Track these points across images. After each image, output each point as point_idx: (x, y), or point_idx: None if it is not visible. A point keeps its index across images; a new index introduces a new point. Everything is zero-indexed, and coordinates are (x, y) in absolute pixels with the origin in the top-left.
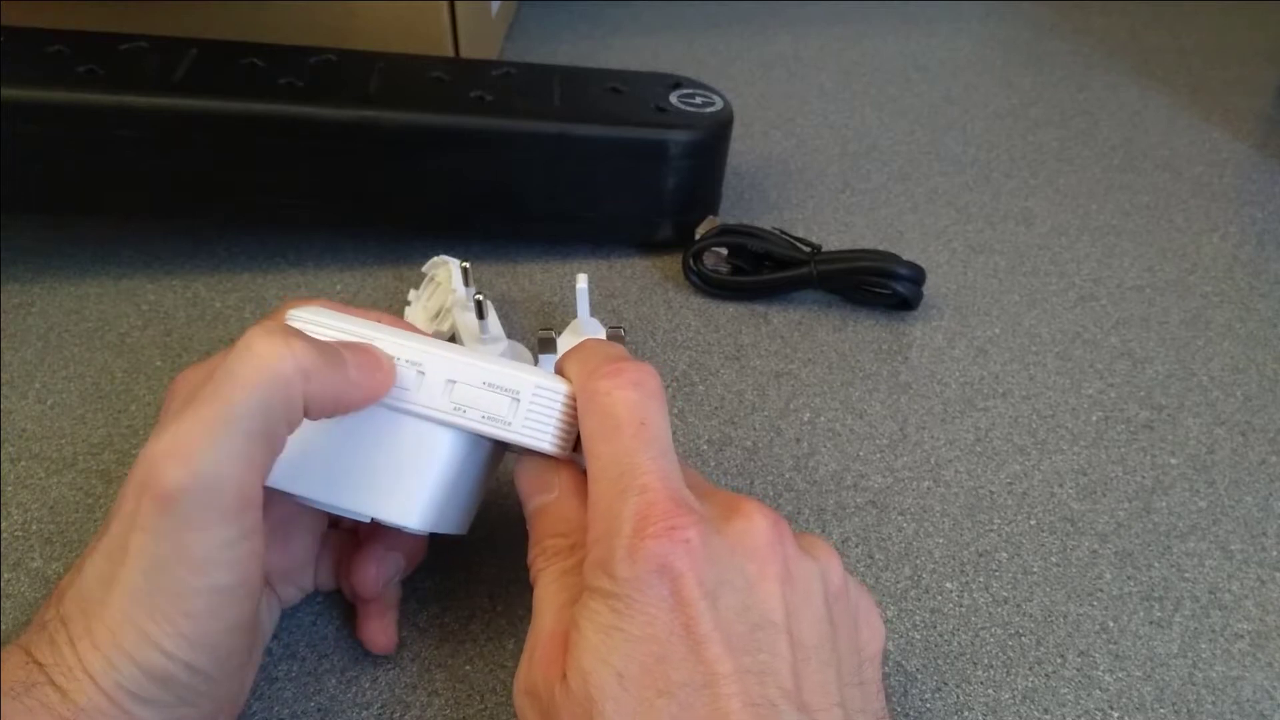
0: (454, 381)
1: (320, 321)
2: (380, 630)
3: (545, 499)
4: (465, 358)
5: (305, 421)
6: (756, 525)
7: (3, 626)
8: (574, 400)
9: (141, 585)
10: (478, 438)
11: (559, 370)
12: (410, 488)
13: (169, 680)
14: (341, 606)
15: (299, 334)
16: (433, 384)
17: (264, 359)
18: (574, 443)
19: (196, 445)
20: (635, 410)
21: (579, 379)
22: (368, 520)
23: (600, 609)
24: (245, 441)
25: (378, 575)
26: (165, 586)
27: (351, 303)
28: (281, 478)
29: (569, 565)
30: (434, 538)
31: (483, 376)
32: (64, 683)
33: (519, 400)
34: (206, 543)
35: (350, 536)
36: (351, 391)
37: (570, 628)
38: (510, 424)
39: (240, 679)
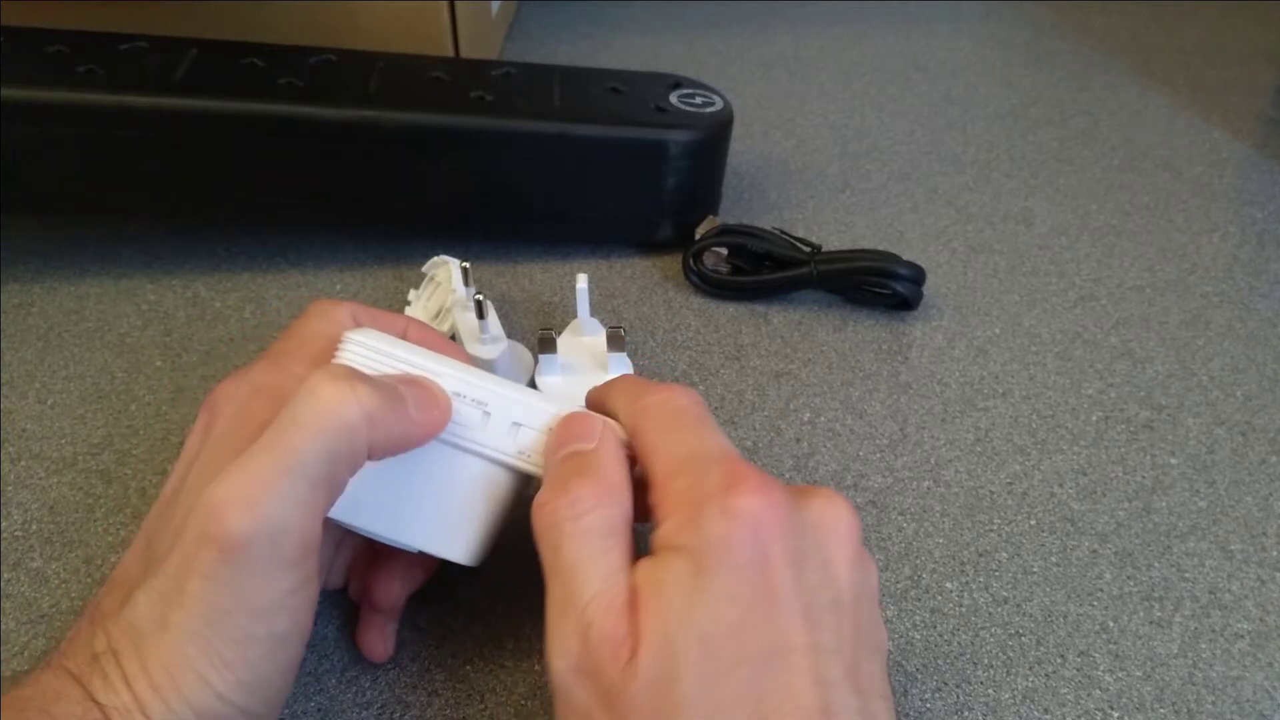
0: (519, 425)
1: (379, 349)
2: (380, 639)
3: (585, 446)
4: (530, 399)
5: None
6: (838, 507)
7: (3, 626)
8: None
9: (200, 631)
10: (529, 477)
11: (594, 406)
12: (466, 526)
13: None
14: (342, 607)
15: (363, 378)
16: (498, 425)
17: (330, 406)
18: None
19: (262, 493)
20: (694, 408)
21: (628, 401)
22: (415, 551)
23: (684, 568)
24: (310, 489)
25: (401, 591)
26: (225, 634)
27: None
28: (340, 510)
29: (607, 525)
30: None
31: (548, 421)
32: None
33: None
34: (268, 592)
35: (365, 543)
36: (413, 431)
37: (640, 592)
38: None
39: (281, 708)
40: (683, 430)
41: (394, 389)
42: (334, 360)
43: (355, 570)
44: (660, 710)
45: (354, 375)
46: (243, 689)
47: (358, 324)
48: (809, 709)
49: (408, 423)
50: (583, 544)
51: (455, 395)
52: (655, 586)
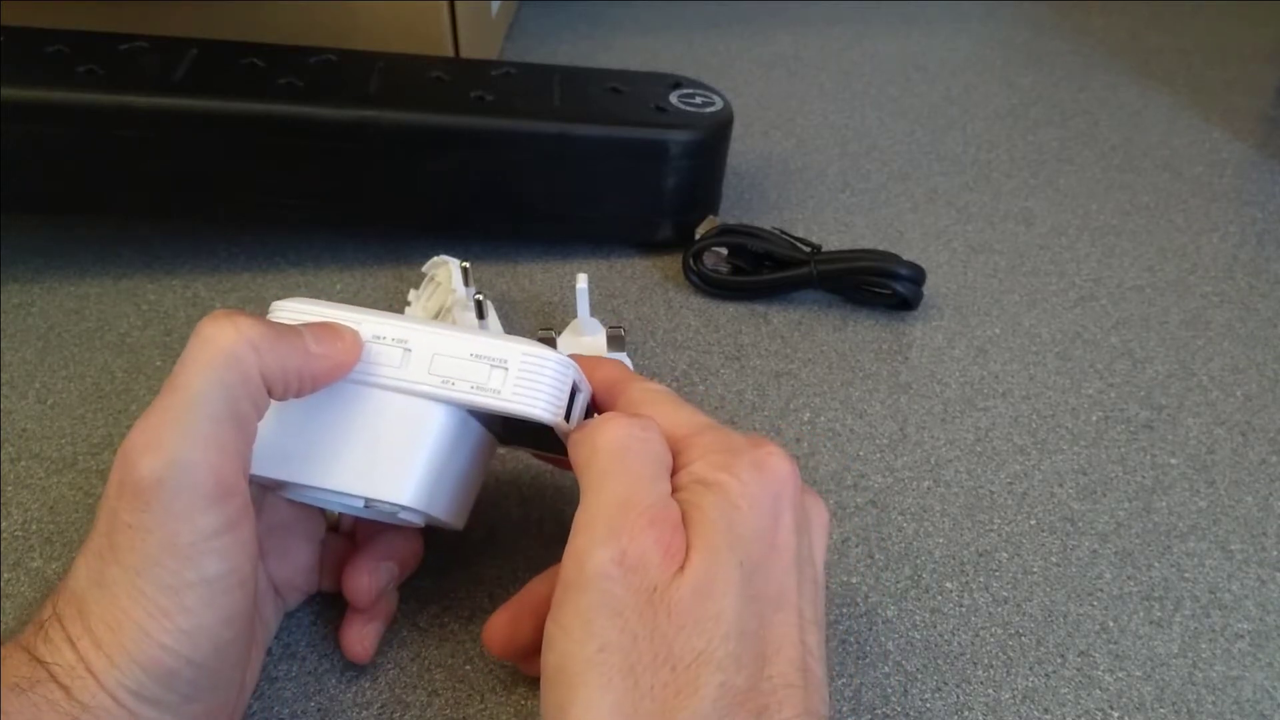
0: (440, 355)
1: (301, 310)
2: (358, 639)
3: (638, 386)
4: (450, 331)
5: (290, 406)
6: (824, 510)
7: (3, 626)
8: (562, 367)
9: (133, 582)
10: (467, 415)
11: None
12: (402, 463)
13: (171, 677)
14: (342, 607)
15: (246, 314)
16: (419, 359)
17: (212, 340)
18: (566, 410)
19: (164, 433)
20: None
21: (625, 381)
22: (361, 503)
23: (721, 502)
24: (212, 425)
25: (370, 585)
26: (157, 581)
27: (351, 303)
28: (269, 465)
29: (664, 459)
30: (432, 533)
31: (469, 349)
32: (67, 681)
33: (507, 369)
34: (191, 532)
35: (347, 541)
36: (312, 363)
37: (687, 511)
38: (500, 392)
39: (242, 673)
40: (693, 408)
41: (288, 327)
42: None
43: (338, 572)
44: (698, 618)
45: (236, 312)
46: (184, 637)
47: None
48: (795, 663)
49: (305, 355)
50: (648, 463)
51: (375, 339)
52: (700, 510)
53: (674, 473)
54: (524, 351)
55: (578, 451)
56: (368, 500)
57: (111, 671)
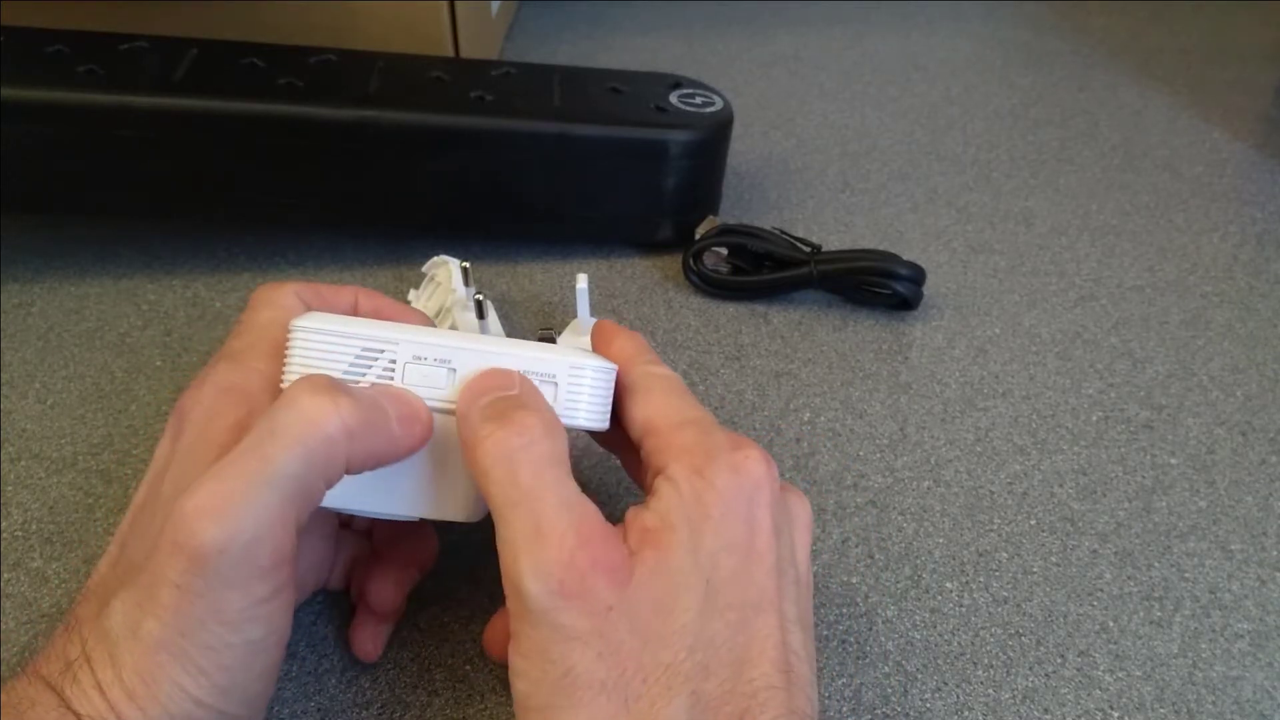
0: None
1: (329, 331)
2: (370, 639)
3: (509, 392)
4: (491, 345)
5: None
6: (807, 506)
7: (2, 626)
8: (607, 375)
9: (174, 640)
10: None
11: (600, 340)
12: (458, 485)
13: None
14: (342, 607)
15: (345, 391)
16: (464, 379)
17: (309, 418)
18: (611, 414)
19: (234, 505)
20: (682, 383)
21: (641, 361)
22: (416, 519)
23: (692, 512)
24: (283, 502)
25: (396, 594)
26: (199, 642)
27: None
28: (328, 497)
29: (557, 455)
30: (442, 531)
31: (515, 365)
32: None
33: (557, 384)
34: (240, 601)
35: (364, 539)
36: (393, 448)
37: (648, 523)
38: (552, 408)
39: (265, 712)
40: (686, 399)
41: (377, 403)
42: (286, 356)
43: (354, 572)
44: (660, 632)
45: (336, 388)
46: (219, 693)
47: (305, 305)
48: (777, 665)
49: (389, 438)
50: (541, 470)
51: (418, 359)
52: (665, 521)
53: (650, 473)
54: (571, 364)
55: (473, 472)
56: (422, 518)
57: None
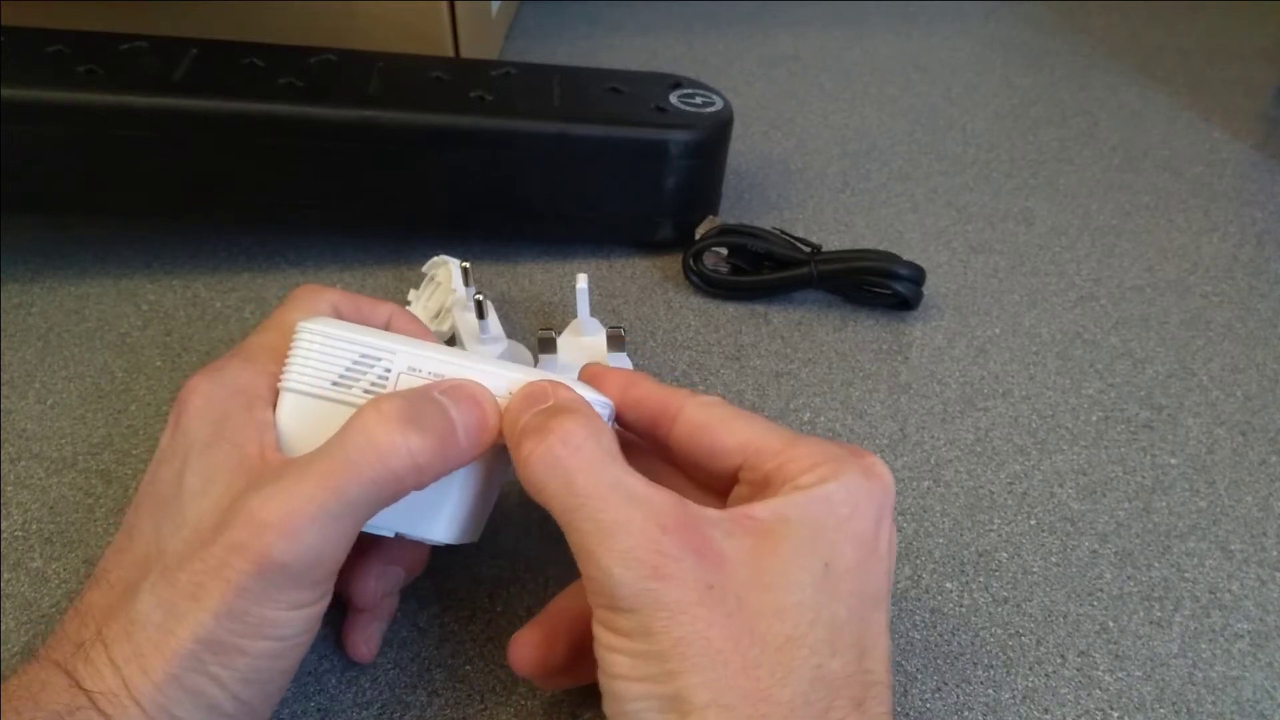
0: (500, 398)
1: (331, 334)
2: (362, 641)
3: (546, 404)
4: (485, 366)
5: None
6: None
7: (3, 626)
8: (603, 409)
9: (213, 629)
10: (503, 448)
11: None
12: (441, 505)
13: (214, 709)
14: (342, 608)
15: (416, 423)
16: None
17: (382, 455)
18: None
19: (304, 529)
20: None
21: (663, 392)
22: (391, 535)
23: (811, 507)
24: (351, 528)
25: (376, 588)
26: (236, 632)
27: None
28: None
29: (609, 450)
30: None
31: (507, 388)
32: (109, 708)
33: None
34: (287, 604)
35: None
36: (459, 462)
37: (752, 511)
38: None
39: (270, 711)
40: (765, 421)
41: (448, 423)
42: (289, 354)
43: (341, 571)
44: (776, 608)
45: (409, 419)
46: (242, 682)
47: (338, 314)
48: (888, 655)
49: (456, 454)
50: (595, 471)
51: (412, 370)
52: (777, 515)
53: (780, 483)
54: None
55: (531, 493)
56: (397, 533)
57: (160, 700)
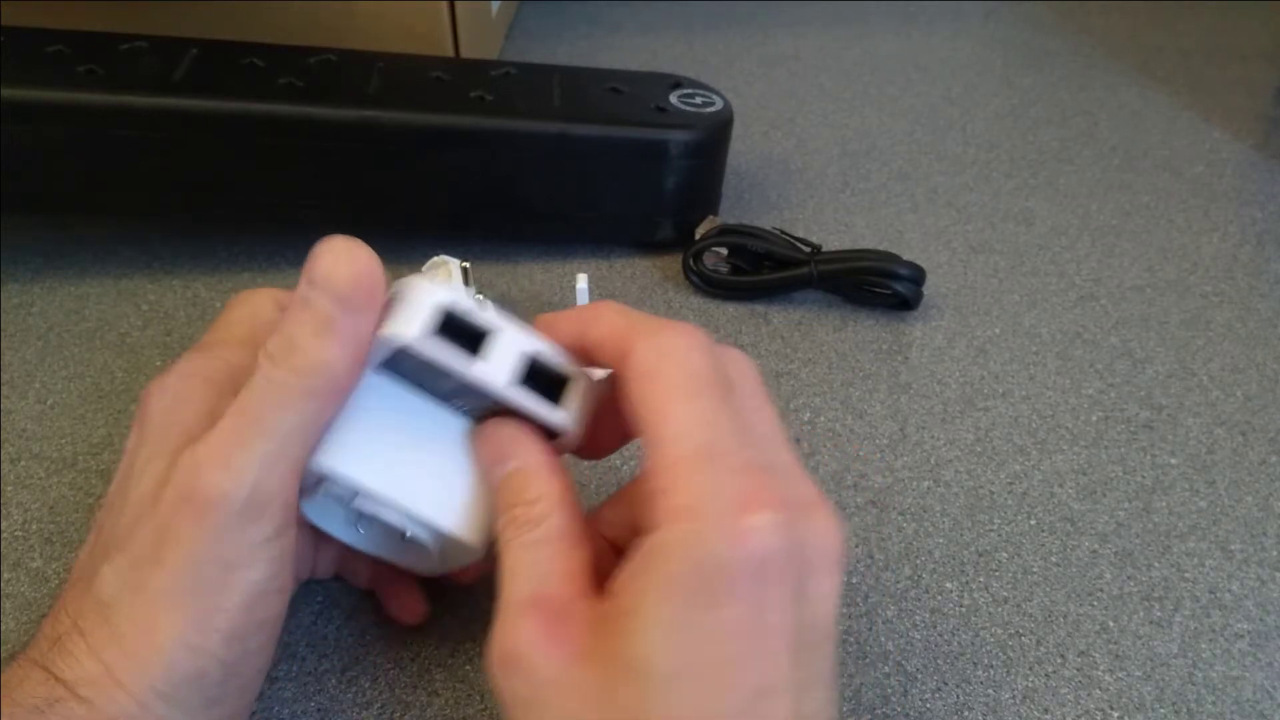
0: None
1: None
2: (411, 602)
3: (504, 468)
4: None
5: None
6: (835, 529)
7: (3, 626)
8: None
9: (176, 588)
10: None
11: (570, 338)
12: (400, 463)
13: (201, 678)
14: (342, 606)
15: (327, 329)
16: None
17: (296, 365)
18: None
19: (237, 452)
20: (713, 370)
21: (636, 338)
22: (374, 556)
23: (679, 594)
24: (285, 445)
25: (419, 604)
26: (201, 587)
27: None
28: (305, 508)
29: (540, 535)
30: None
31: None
32: (90, 694)
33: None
34: (242, 543)
35: None
36: (359, 333)
37: (618, 601)
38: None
39: (261, 679)
40: (703, 399)
41: (350, 326)
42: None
43: (346, 562)
44: (624, 709)
45: (313, 331)
46: (219, 638)
47: (279, 307)
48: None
49: (353, 327)
50: (519, 553)
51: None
52: (638, 607)
53: (652, 524)
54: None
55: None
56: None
57: (141, 676)
